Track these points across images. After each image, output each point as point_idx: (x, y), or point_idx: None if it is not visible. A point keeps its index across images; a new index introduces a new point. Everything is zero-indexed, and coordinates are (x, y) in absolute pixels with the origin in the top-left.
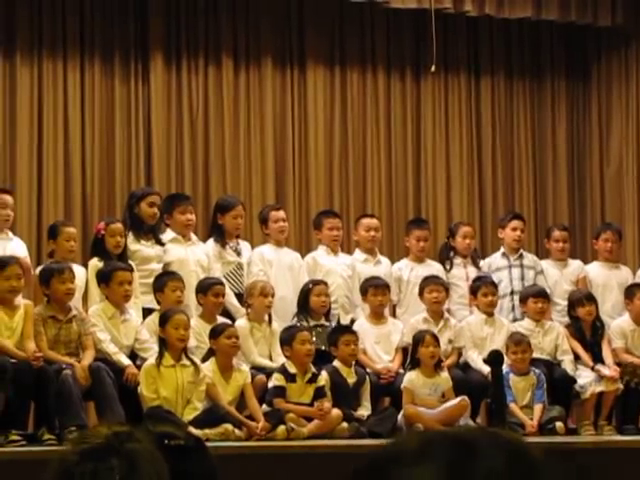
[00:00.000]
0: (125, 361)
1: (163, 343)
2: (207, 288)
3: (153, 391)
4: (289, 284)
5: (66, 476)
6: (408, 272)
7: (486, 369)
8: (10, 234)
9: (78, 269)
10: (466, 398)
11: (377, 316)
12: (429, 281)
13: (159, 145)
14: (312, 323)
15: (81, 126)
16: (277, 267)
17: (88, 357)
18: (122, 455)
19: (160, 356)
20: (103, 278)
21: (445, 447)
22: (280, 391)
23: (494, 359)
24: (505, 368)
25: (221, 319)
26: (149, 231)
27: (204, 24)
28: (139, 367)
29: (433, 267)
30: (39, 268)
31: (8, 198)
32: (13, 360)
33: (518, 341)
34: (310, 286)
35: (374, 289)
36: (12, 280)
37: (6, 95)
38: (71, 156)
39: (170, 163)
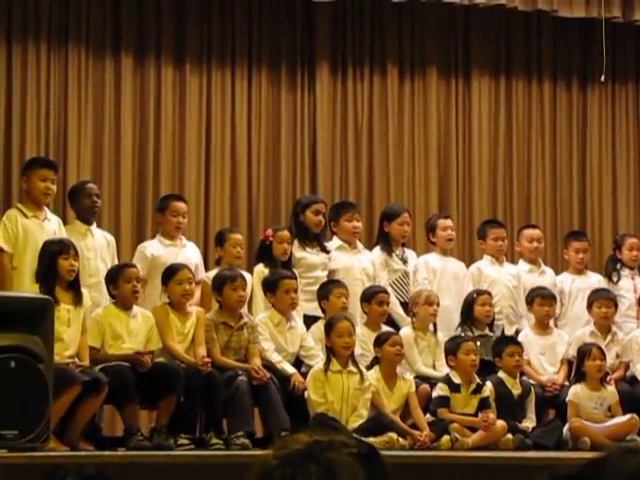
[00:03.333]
0: (289, 369)
1: (330, 350)
2: (371, 296)
3: (321, 395)
4: (453, 293)
5: (266, 479)
6: (569, 284)
7: None
8: (184, 240)
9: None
10: (636, 416)
11: (542, 327)
12: (599, 295)
13: (324, 153)
14: (476, 333)
15: (247, 135)
16: (442, 276)
17: (256, 364)
18: (321, 463)
19: (327, 362)
20: (269, 286)
21: None
22: (444, 401)
23: None
24: None
25: (386, 328)
26: (314, 239)
27: (370, 33)
28: (304, 375)
29: (593, 278)
30: (209, 273)
31: (181, 206)
32: (183, 365)
33: None
34: (474, 296)
35: (541, 299)
36: (184, 284)
37: (176, 105)
38: (238, 164)
39: (334, 171)
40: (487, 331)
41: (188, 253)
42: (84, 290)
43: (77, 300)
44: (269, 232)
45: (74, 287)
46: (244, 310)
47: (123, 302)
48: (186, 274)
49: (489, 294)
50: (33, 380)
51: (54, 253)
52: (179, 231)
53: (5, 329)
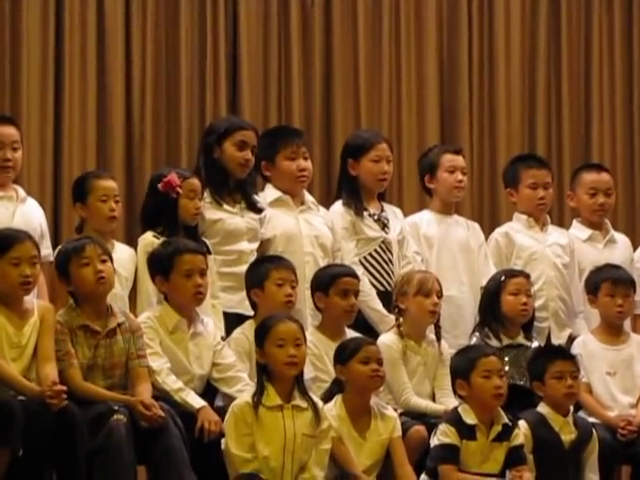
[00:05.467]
0: (196, 402)
1: (264, 371)
2: (330, 282)
3: (248, 447)
4: (462, 276)
5: None
6: None
7: None
8: (21, 192)
9: (122, 249)
10: None
11: (613, 331)
12: None
13: (250, 50)
14: (505, 342)
15: (125, 23)
16: (442, 248)
17: (144, 393)
18: None
19: (260, 391)
20: (161, 267)
21: None
22: (450, 452)
23: None
24: None
25: (353, 333)
26: (237, 188)
27: None
28: (219, 411)
29: None
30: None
31: (7, 132)
32: (20, 397)
33: None
34: (502, 279)
35: (611, 286)
36: (23, 266)
37: None
38: (108, 70)
39: (269, 77)
40: (521, 338)
41: (29, 214)
42: None
43: None
44: (173, 178)
45: None
46: (119, 304)
47: None
48: (27, 249)
49: (526, 277)
50: None
51: None
52: (6, 173)
53: None
